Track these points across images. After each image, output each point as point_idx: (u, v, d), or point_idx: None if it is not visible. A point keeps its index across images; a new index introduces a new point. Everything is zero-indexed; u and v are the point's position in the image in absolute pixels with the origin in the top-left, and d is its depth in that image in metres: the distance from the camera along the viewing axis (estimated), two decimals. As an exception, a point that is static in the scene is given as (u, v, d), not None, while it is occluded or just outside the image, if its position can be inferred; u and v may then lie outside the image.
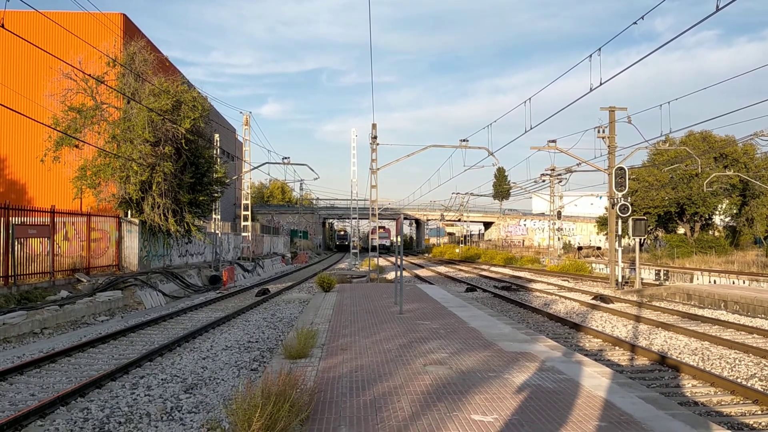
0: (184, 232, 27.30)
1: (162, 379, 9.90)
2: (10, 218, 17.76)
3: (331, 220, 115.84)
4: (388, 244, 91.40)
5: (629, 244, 44.51)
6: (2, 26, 12.90)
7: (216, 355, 11.99)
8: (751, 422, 7.96)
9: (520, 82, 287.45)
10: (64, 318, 16.29)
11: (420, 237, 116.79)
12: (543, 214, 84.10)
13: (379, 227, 74.73)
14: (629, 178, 28.88)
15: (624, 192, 26.75)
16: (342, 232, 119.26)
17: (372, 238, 56.56)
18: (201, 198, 27.61)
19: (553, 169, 50.16)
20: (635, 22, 14.95)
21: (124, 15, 33.70)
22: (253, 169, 44.52)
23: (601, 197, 72.86)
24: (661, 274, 33.75)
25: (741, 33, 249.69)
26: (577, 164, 41.00)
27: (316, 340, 9.61)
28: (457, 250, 74.29)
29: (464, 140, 35.18)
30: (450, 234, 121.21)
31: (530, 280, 32.67)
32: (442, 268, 48.32)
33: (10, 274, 17.47)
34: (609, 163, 28.43)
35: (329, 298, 17.74)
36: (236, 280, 31.92)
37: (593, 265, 42.76)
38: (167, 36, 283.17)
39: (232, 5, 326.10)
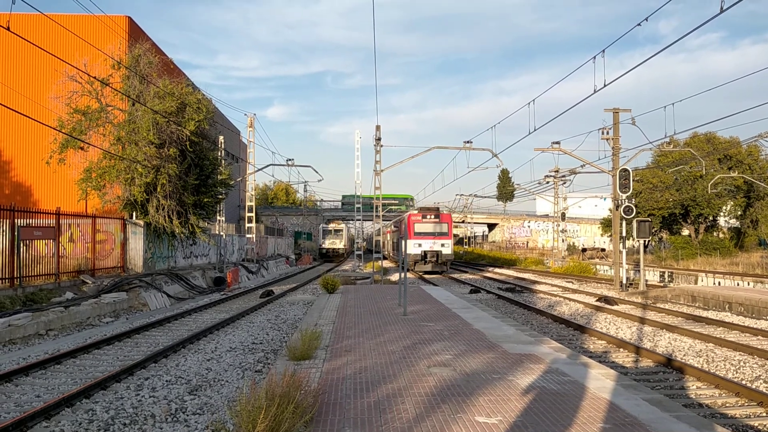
0: (188, 233, 27.35)
1: (167, 381, 9.93)
2: (16, 220, 17.83)
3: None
4: (448, 251, 40.04)
5: (633, 246, 44.42)
6: (8, 29, 12.97)
7: (220, 356, 12.01)
8: (756, 424, 7.94)
9: (525, 83, 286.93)
10: (69, 319, 16.34)
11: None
12: (547, 215, 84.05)
13: (424, 210, 41.24)
14: (633, 180, 28.83)
15: (628, 193, 26.71)
16: (336, 229, 70.57)
17: (414, 239, 36.72)
18: (205, 200, 27.67)
19: (557, 171, 50.13)
20: (639, 24, 14.99)
21: (129, 17, 33.82)
22: (257, 170, 44.67)
23: (605, 199, 72.76)
24: (666, 275, 33.67)
25: (745, 35, 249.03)
26: (581, 166, 40.98)
27: (320, 342, 9.62)
28: (460, 252, 74.25)
29: (468, 142, 35.25)
30: (454, 235, 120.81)
31: (534, 282, 32.63)
32: (446, 270, 48.19)
33: (15, 275, 17.53)
34: (613, 164, 28.39)
35: (333, 299, 17.75)
36: (240, 281, 31.96)
37: (597, 266, 42.70)
38: (173, 39, 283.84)
39: (237, 8, 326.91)
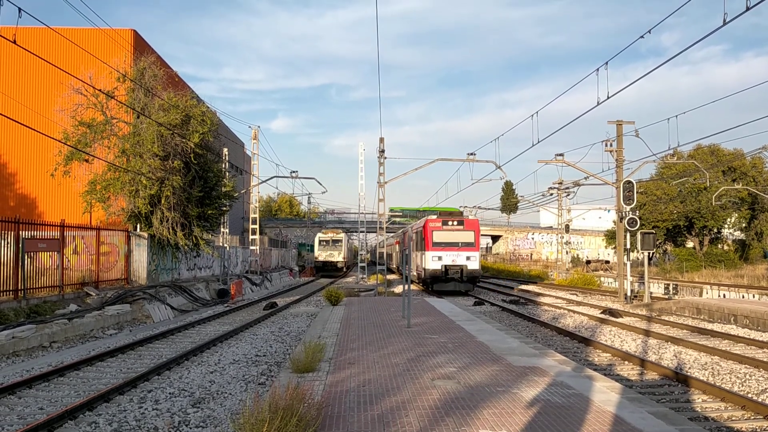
0: (192, 245, 27.38)
1: (170, 393, 9.91)
2: (21, 232, 17.88)
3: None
4: (475, 266, 31.68)
5: (638, 258, 44.29)
6: (14, 42, 13.08)
7: (224, 368, 11.98)
8: (762, 438, 7.88)
9: (528, 96, 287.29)
10: (72, 331, 16.34)
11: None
12: (551, 227, 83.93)
13: (445, 215, 34.07)
14: (637, 192, 28.81)
15: (632, 205, 26.69)
16: (334, 239, 59.39)
17: (433, 251, 30.34)
18: (209, 212, 27.73)
19: (560, 183, 50.08)
20: (642, 36, 15.06)
21: (135, 31, 34.09)
22: (261, 182, 44.69)
23: (609, 211, 72.66)
24: (670, 287, 33.53)
25: (748, 48, 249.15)
26: (585, 178, 40.93)
27: (323, 354, 9.60)
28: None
29: (472, 154, 35.28)
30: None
31: (538, 294, 32.52)
32: (449, 282, 47.93)
33: (19, 287, 17.56)
34: (617, 176, 28.39)
35: (337, 311, 17.72)
36: (244, 293, 31.95)
37: (602, 278, 42.54)
38: (178, 52, 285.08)
39: (242, 21, 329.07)
